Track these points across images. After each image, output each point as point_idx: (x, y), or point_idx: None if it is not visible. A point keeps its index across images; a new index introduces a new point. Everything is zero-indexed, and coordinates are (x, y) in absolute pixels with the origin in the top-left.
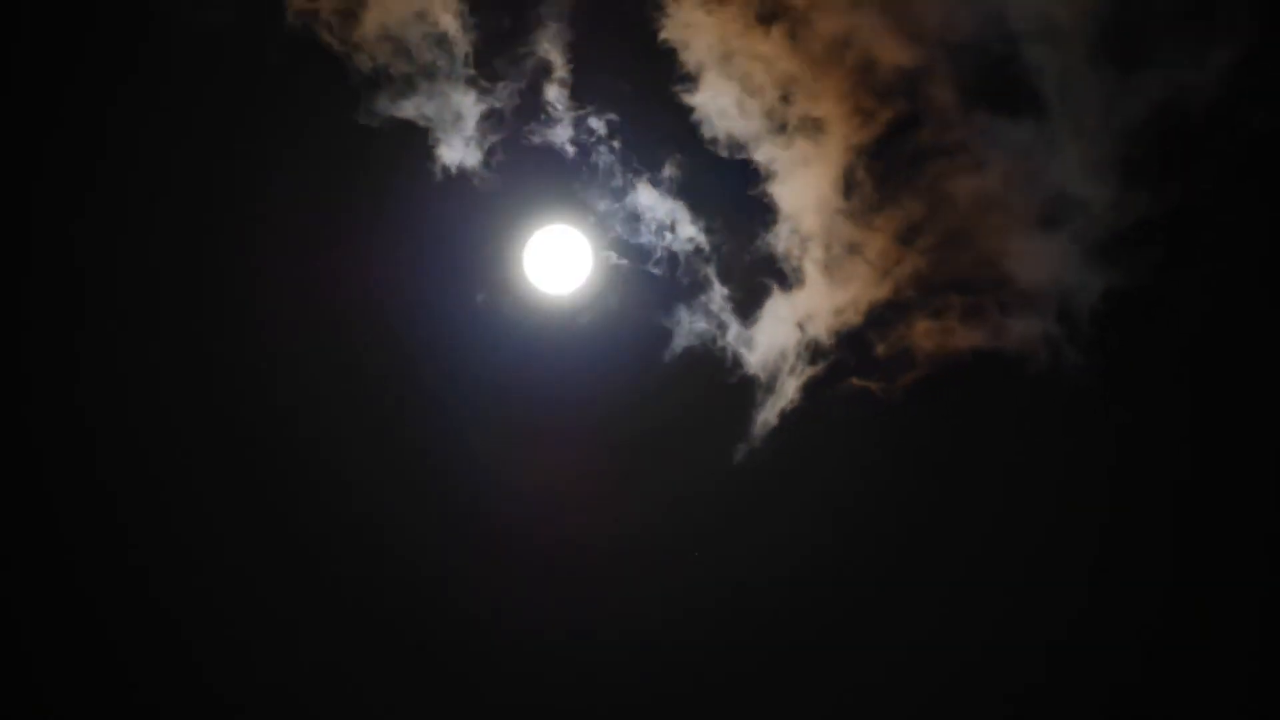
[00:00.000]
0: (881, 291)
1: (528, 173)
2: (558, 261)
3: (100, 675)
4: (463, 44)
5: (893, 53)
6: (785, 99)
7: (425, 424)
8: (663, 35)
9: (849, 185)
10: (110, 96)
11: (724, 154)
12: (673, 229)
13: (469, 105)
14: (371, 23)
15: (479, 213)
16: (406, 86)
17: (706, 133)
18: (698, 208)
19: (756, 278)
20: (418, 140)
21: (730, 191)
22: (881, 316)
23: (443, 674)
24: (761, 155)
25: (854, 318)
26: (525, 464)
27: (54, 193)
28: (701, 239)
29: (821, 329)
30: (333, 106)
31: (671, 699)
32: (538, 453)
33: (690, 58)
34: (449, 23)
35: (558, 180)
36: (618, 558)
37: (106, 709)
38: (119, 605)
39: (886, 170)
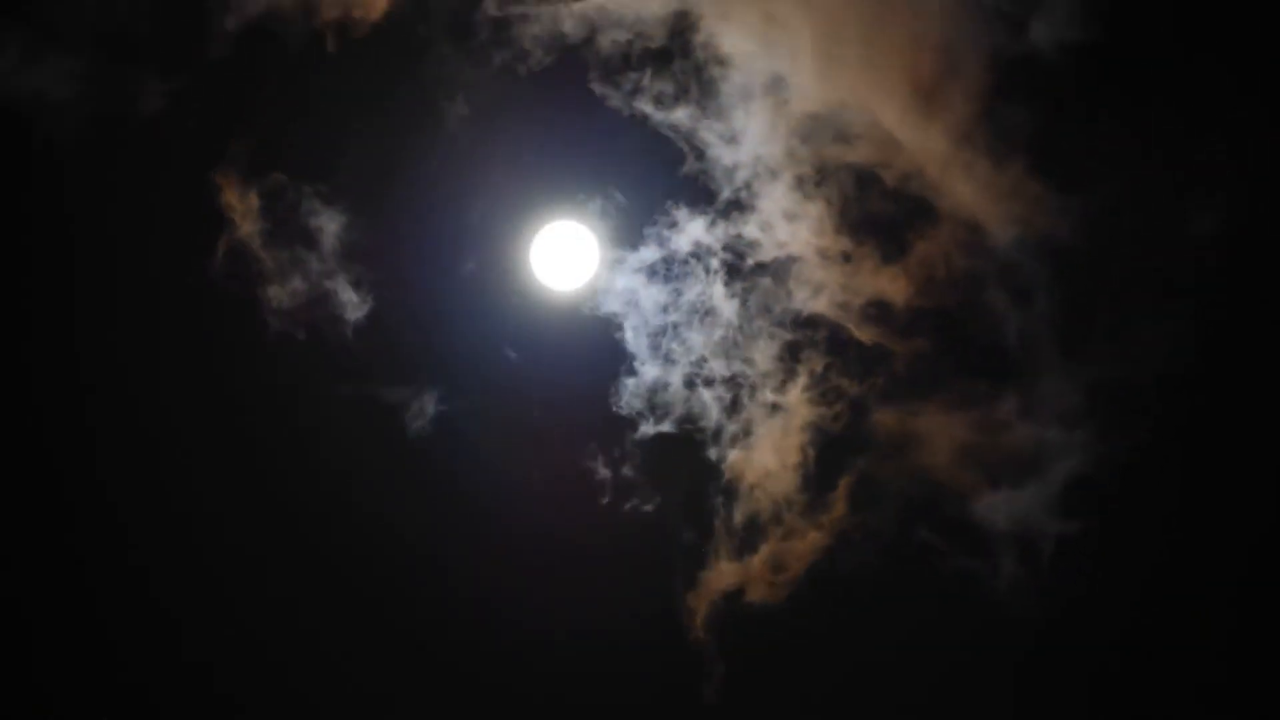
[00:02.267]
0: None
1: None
2: (563, 257)
3: (101, 675)
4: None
5: (860, 330)
6: (747, 390)
7: (427, 422)
8: (603, 312)
9: (804, 468)
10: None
11: (676, 432)
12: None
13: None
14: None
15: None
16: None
17: (650, 420)
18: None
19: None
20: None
21: (681, 465)
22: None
23: (444, 673)
24: (715, 447)
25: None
26: (529, 462)
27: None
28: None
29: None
30: None
31: (672, 699)
32: (540, 451)
33: (630, 339)
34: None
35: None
36: (618, 557)
37: (107, 709)
38: (119, 605)
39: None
